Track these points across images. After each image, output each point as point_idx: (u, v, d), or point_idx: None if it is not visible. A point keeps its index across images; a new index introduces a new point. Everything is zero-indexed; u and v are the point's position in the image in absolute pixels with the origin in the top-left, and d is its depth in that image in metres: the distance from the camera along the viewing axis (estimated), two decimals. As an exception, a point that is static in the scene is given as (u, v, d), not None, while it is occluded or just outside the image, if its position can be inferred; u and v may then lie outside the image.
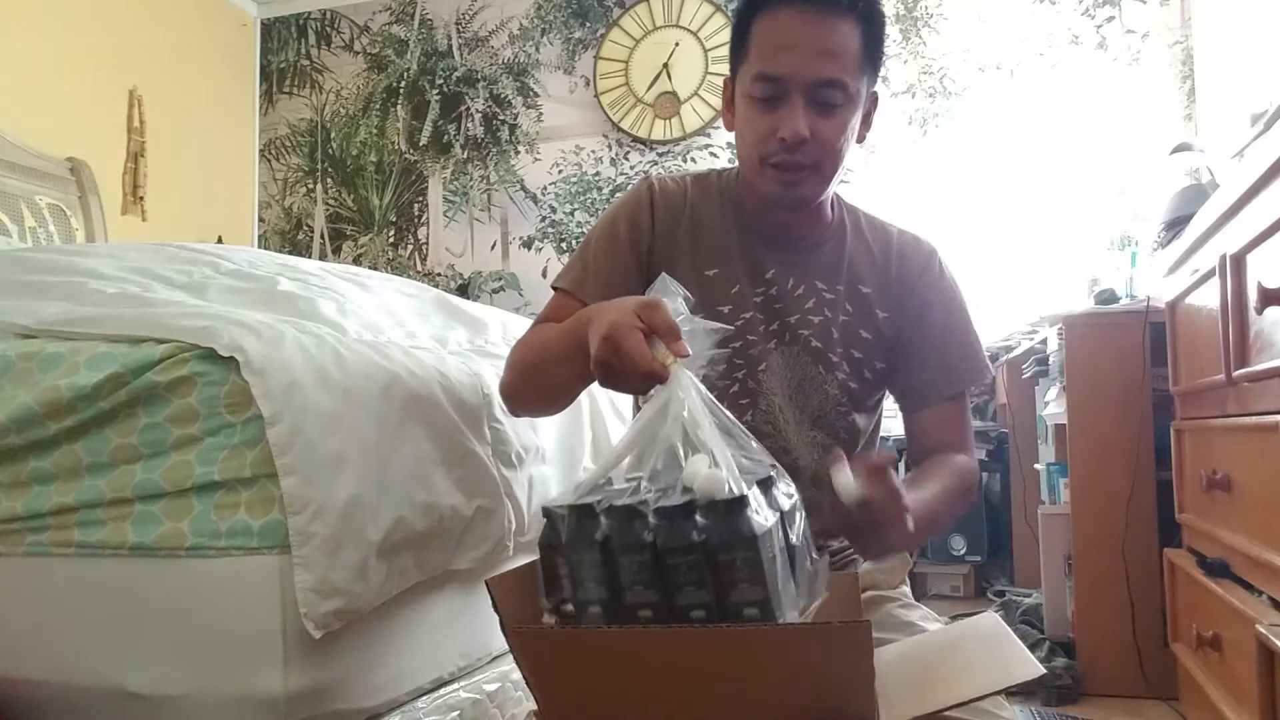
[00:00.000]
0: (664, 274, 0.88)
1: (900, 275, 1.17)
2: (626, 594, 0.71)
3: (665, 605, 0.70)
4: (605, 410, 1.65)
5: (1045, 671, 0.77)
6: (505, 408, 1.18)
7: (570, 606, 0.73)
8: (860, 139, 1.13)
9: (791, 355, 1.15)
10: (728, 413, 0.79)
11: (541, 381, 1.06)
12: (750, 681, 0.69)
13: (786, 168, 1.07)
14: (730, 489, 0.70)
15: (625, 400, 1.74)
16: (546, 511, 0.75)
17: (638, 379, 0.81)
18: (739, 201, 1.18)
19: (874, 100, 1.13)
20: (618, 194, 3.57)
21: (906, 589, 1.24)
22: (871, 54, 1.08)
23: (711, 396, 0.79)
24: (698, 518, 0.69)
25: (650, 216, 1.16)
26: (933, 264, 1.18)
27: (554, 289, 1.16)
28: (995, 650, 0.83)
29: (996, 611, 2.59)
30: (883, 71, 1.13)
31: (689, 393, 0.77)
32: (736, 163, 1.20)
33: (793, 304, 1.15)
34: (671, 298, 0.84)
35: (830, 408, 1.16)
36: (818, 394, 1.15)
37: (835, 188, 1.15)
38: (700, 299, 1.02)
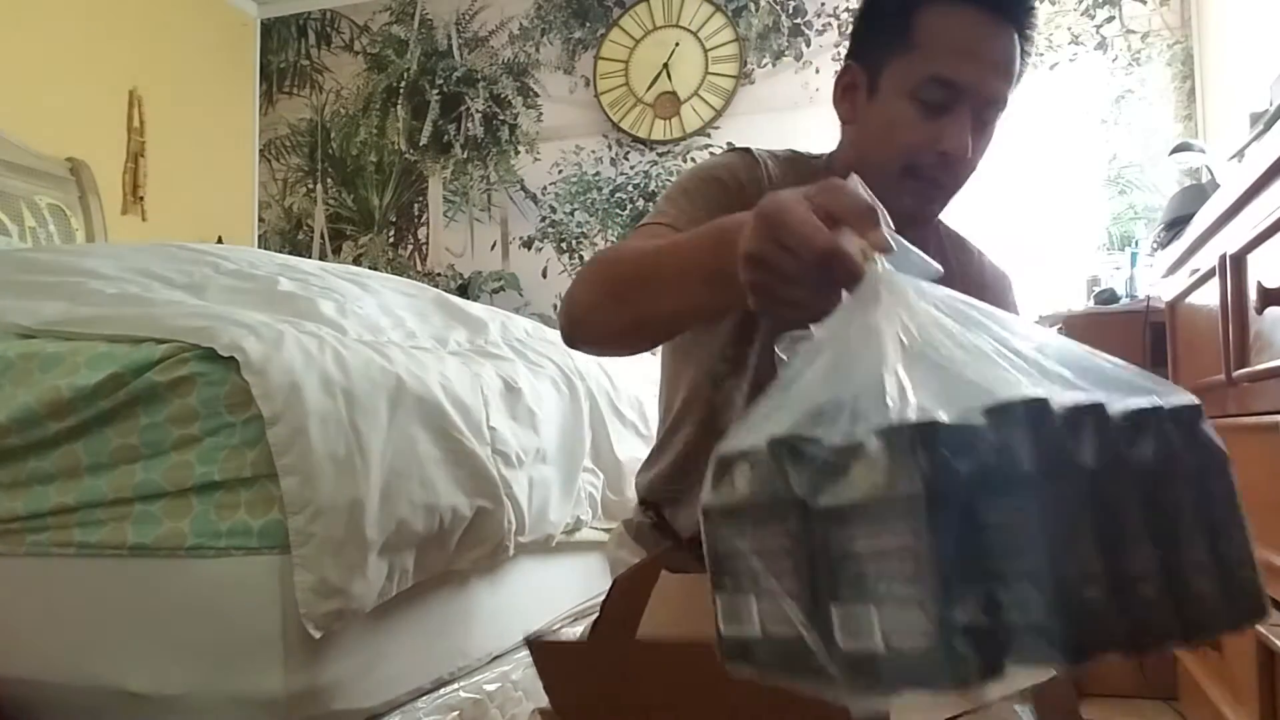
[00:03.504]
0: (853, 173, 0.66)
1: (973, 281, 1.12)
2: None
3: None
4: (605, 411, 1.65)
5: (1056, 674, 0.75)
6: (566, 336, 0.89)
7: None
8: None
9: None
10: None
11: (639, 303, 0.79)
12: (764, 698, 0.69)
13: (933, 184, 0.98)
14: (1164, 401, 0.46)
15: (626, 401, 1.74)
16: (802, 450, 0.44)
17: (812, 269, 0.53)
18: (899, 177, 1.03)
19: None
20: (617, 194, 3.57)
21: None
22: (1020, 70, 0.99)
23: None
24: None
25: (759, 183, 1.01)
26: (1007, 297, 1.14)
27: (657, 221, 0.95)
28: None
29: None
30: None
31: (905, 300, 0.48)
32: (812, 147, 1.10)
33: None
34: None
35: None
36: None
37: None
38: None
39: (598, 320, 0.85)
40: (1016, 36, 0.96)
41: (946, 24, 0.95)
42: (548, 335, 1.74)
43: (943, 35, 0.95)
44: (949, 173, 0.98)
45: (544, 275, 3.65)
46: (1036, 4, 0.99)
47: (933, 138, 0.95)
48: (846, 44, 1.08)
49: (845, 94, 1.04)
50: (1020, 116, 3.22)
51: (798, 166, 1.06)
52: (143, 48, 3.45)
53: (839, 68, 1.06)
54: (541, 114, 3.72)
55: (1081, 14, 3.17)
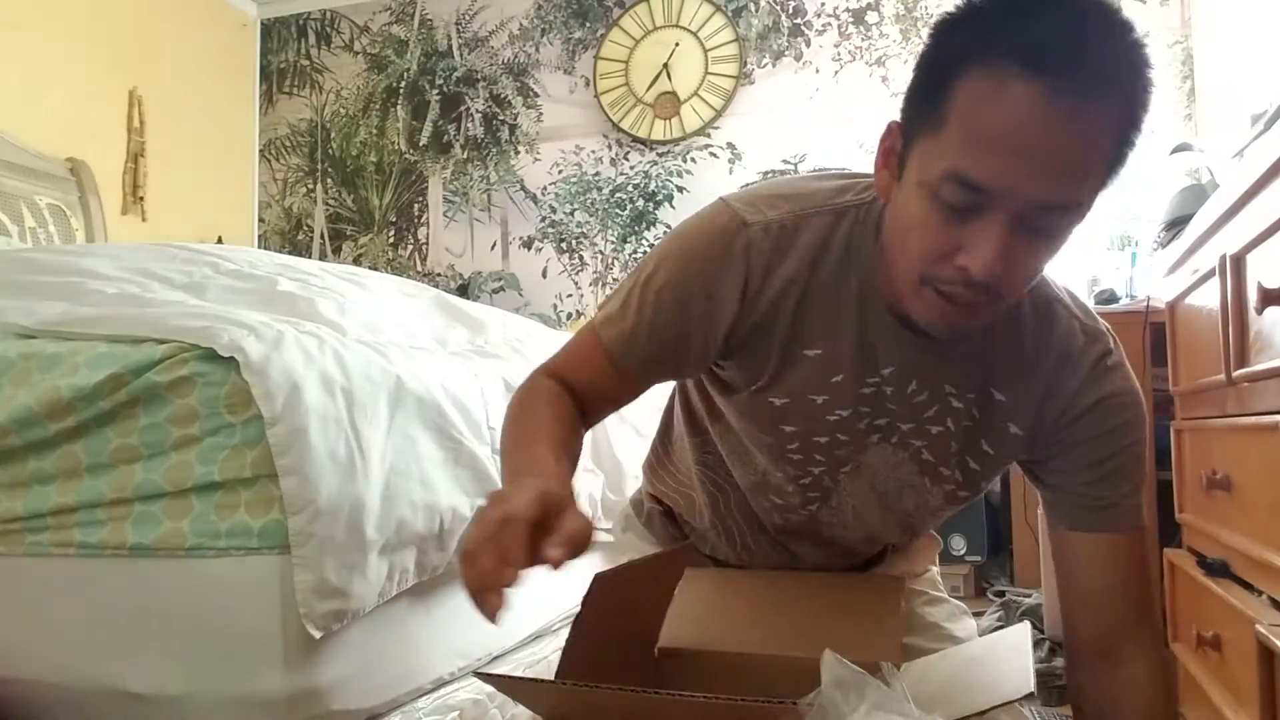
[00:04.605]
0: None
1: (1052, 383, 0.90)
2: None
3: None
4: (605, 410, 1.65)
5: (1032, 690, 0.74)
6: None
7: None
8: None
9: (895, 460, 0.94)
10: None
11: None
12: None
13: (958, 301, 0.76)
14: None
15: (632, 405, 1.73)
16: None
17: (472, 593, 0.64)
18: (867, 269, 0.86)
19: None
20: (617, 194, 3.57)
21: (935, 573, 1.17)
22: (1127, 147, 0.73)
23: None
24: None
25: (741, 290, 0.86)
26: (1098, 373, 0.90)
27: (596, 334, 0.92)
28: (998, 668, 0.83)
29: (995, 612, 2.59)
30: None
31: None
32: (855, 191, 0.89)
33: (909, 410, 0.90)
34: None
35: (925, 512, 1.01)
36: (914, 499, 0.98)
37: None
38: (791, 380, 0.90)
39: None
40: (1115, 104, 0.70)
41: (988, 97, 0.69)
42: (548, 336, 1.74)
43: (979, 116, 0.70)
44: (977, 292, 0.75)
45: (544, 275, 3.65)
46: (1148, 67, 0.71)
47: (950, 246, 0.74)
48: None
49: (885, 160, 0.81)
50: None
51: (822, 232, 0.86)
52: (143, 48, 3.45)
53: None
54: (541, 114, 3.72)
55: (1081, 14, 3.17)
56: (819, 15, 3.37)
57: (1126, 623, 0.91)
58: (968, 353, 0.89)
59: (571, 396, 0.92)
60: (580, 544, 0.67)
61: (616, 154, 3.61)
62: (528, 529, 0.66)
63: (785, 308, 0.88)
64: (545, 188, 3.69)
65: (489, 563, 0.65)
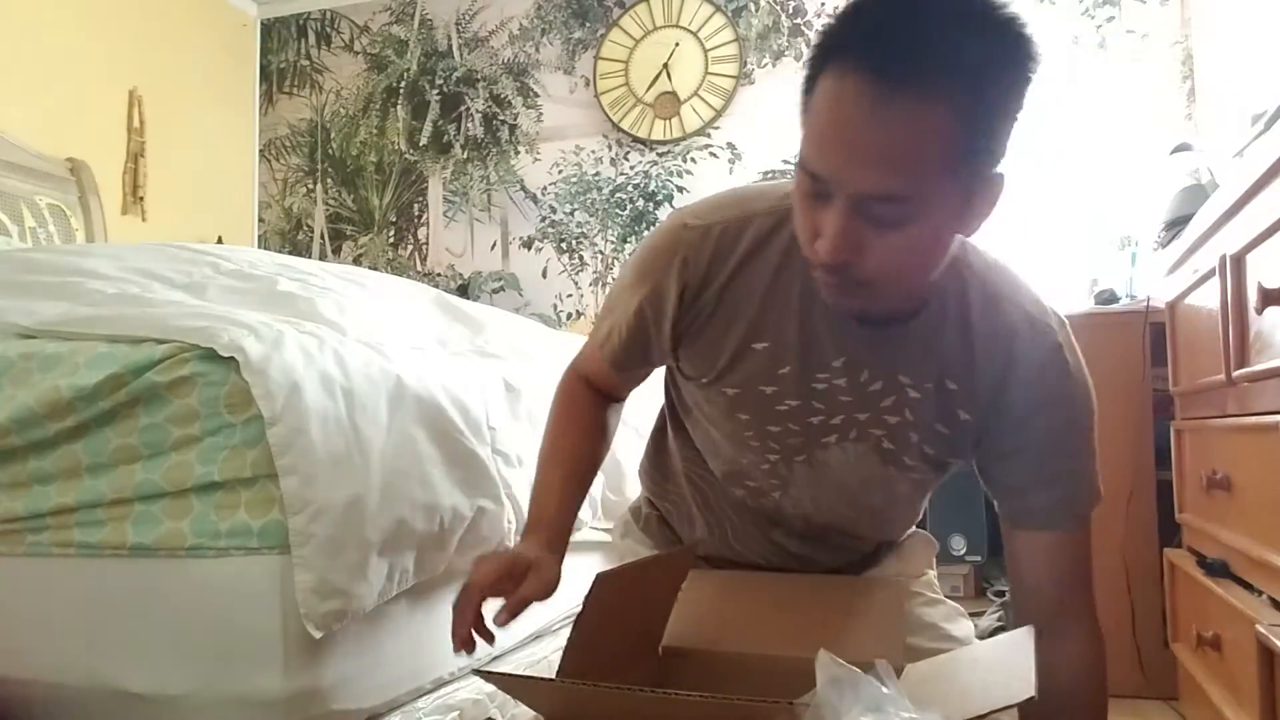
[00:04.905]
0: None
1: (1000, 379, 0.91)
2: None
3: None
4: (605, 410, 1.65)
5: (1034, 694, 0.76)
6: None
7: None
8: (968, 229, 0.84)
9: (856, 453, 0.97)
10: None
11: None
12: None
13: (831, 285, 0.83)
14: None
15: (632, 407, 1.74)
16: None
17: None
18: (809, 267, 0.89)
19: (995, 184, 0.81)
20: (617, 194, 3.57)
21: (932, 576, 1.19)
22: (980, 139, 0.75)
23: None
24: None
25: (677, 297, 0.94)
26: (1047, 373, 0.91)
27: (596, 341, 1.07)
28: (1000, 670, 0.83)
29: (995, 612, 2.59)
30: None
31: None
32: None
33: (866, 400, 0.93)
34: None
35: (896, 502, 1.06)
36: (882, 491, 1.01)
37: (932, 276, 0.87)
38: (740, 371, 0.95)
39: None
40: (946, 100, 0.71)
41: (829, 93, 0.76)
42: (548, 336, 1.74)
43: (821, 109, 0.77)
44: (835, 275, 0.80)
45: (544, 275, 3.65)
46: (1012, 59, 0.74)
47: (814, 230, 0.80)
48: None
49: None
50: (1020, 117, 3.21)
51: (765, 231, 0.92)
52: (143, 48, 3.45)
53: None
54: (541, 114, 3.72)
55: (1082, 14, 3.17)
56: (819, 15, 3.37)
57: (1063, 606, 0.95)
58: (919, 344, 0.91)
59: (594, 391, 1.10)
60: (528, 603, 0.90)
61: (616, 154, 3.61)
62: (480, 596, 0.90)
63: (730, 305, 0.94)
64: (545, 188, 3.69)
65: (454, 617, 0.89)
